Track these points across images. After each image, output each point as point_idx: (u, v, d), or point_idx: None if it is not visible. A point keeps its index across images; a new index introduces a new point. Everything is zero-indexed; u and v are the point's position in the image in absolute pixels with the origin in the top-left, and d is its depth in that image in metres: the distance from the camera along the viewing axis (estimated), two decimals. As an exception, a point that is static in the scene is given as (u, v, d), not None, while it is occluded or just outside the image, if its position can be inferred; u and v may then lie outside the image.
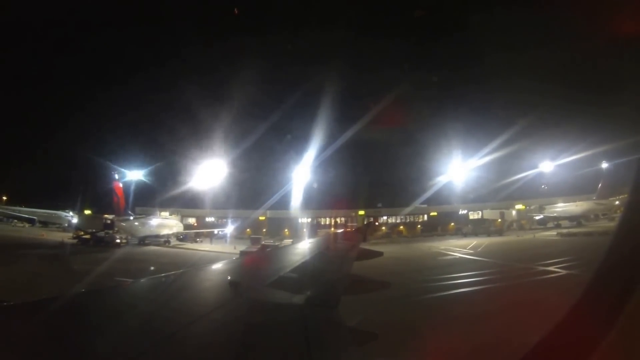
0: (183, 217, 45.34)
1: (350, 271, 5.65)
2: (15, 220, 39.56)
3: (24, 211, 38.58)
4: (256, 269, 5.57)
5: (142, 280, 4.12)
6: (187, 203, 44.94)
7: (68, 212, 39.27)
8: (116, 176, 32.37)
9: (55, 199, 39.84)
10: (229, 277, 3.80)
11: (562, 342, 1.73)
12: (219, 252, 30.51)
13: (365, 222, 42.75)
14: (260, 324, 2.67)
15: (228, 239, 39.54)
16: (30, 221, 39.14)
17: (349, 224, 39.90)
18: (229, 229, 41.89)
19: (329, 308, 3.45)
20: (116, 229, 32.10)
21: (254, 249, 26.59)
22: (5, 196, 39.35)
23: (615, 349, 1.50)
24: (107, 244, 30.56)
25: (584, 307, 1.76)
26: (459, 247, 30.32)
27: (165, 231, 36.20)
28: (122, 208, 32.51)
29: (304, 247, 9.11)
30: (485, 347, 7.59)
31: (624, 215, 1.83)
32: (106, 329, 2.20)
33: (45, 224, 38.88)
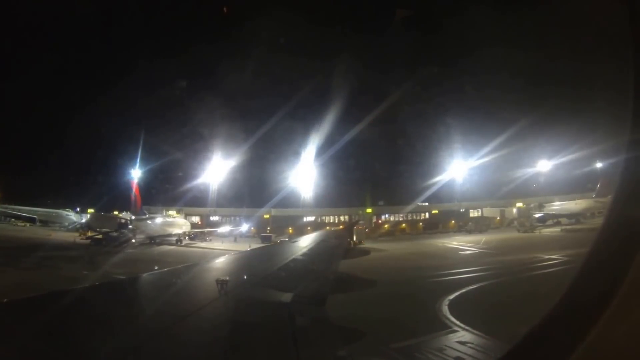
0: (187, 216, 44.54)
1: (337, 269, 6.01)
2: (13, 220, 37.62)
3: (24, 210, 36.76)
4: (244, 267, 5.85)
5: (137, 276, 4.32)
6: (190, 201, 44.28)
7: (69, 211, 37.89)
8: (133, 174, 31.58)
9: (54, 198, 38.39)
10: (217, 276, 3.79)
11: (549, 334, 1.77)
12: (238, 250, 30.35)
13: (356, 220, 43.85)
14: (247, 322, 2.75)
15: (239, 237, 39.23)
16: (31, 220, 37.35)
17: (359, 221, 40.48)
18: (244, 227, 41.55)
19: (317, 305, 3.63)
20: (132, 227, 31.28)
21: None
22: (1, 194, 37.25)
23: (601, 341, 1.53)
24: (120, 244, 29.71)
25: (571, 300, 1.79)
26: (470, 243, 31.60)
27: (175, 230, 35.59)
28: (139, 207, 31.76)
29: (296, 244, 9.48)
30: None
31: (610, 211, 1.83)
32: (102, 324, 2.31)
33: (45, 223, 37.24)
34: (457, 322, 9.35)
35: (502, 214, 43.89)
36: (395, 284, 14.22)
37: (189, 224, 40.15)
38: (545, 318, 1.79)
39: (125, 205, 35.55)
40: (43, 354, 1.93)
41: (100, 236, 30.82)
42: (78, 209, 37.43)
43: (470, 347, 8.03)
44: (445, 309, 10.42)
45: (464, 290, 12.95)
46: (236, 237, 39.33)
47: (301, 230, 44.95)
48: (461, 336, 8.54)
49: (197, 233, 38.63)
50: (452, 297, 11.80)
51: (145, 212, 33.48)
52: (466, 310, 10.27)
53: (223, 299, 3.03)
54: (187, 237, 36.40)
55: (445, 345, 8.07)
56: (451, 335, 8.65)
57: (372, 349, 7.22)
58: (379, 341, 7.95)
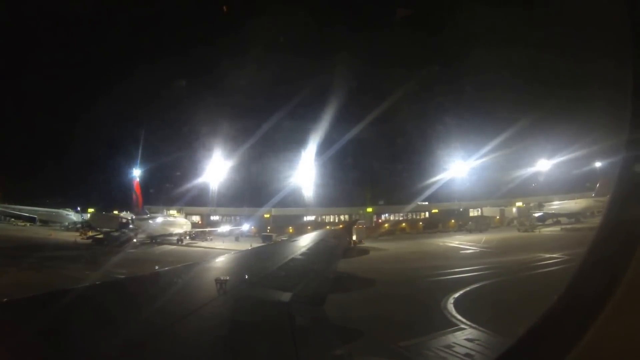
0: (187, 215, 44.49)
1: (337, 268, 6.05)
2: (13, 219, 37.49)
3: (24, 209, 36.63)
4: (243, 267, 5.89)
5: (137, 276, 4.34)
6: (191, 201, 44.22)
7: (69, 211, 37.86)
8: (134, 174, 31.53)
9: (54, 197, 38.28)
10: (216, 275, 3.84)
11: (548, 332, 1.78)
12: (239, 250, 30.34)
13: (355, 219, 44.02)
14: (246, 321, 2.78)
15: (240, 237, 39.22)
16: (31, 220, 37.24)
17: (358, 221, 40.53)
18: (245, 226, 41.60)
19: (315, 305, 3.67)
20: (133, 227, 31.22)
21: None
22: (1, 194, 37.07)
23: (599, 339, 1.55)
24: (121, 243, 29.62)
25: (569, 299, 1.81)
26: (471, 242, 31.70)
27: (176, 230, 35.57)
28: (140, 207, 31.73)
29: (296, 244, 9.57)
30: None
31: (608, 211, 1.83)
32: (102, 323, 2.35)
33: (45, 222, 37.18)
34: (464, 320, 9.44)
35: (502, 213, 44.09)
36: (398, 283, 14.32)
37: (189, 223, 40.17)
38: (544, 317, 1.81)
39: (126, 205, 35.59)
40: (44, 352, 1.95)
41: (101, 236, 30.78)
42: (79, 209, 37.51)
43: (478, 344, 8.13)
44: (451, 307, 10.53)
45: (468, 289, 13.05)
46: (238, 237, 39.32)
47: (301, 230, 45.02)
48: (469, 334, 8.64)
49: (198, 232, 38.60)
50: (456, 295, 11.89)
51: (147, 211, 33.48)
52: (472, 309, 10.38)
53: (222, 298, 3.05)
54: (188, 237, 36.38)
55: (454, 343, 8.17)
56: (459, 333, 8.75)
57: (379, 347, 7.29)
58: (388, 340, 8.02)
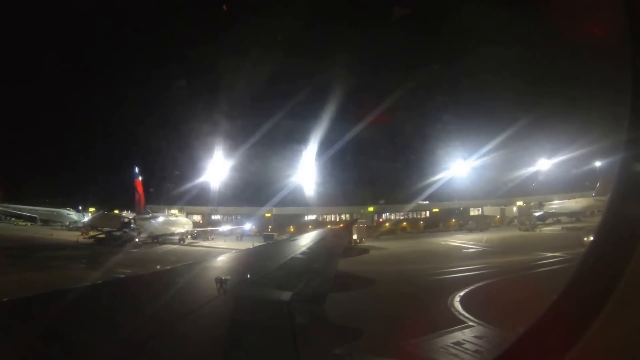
0: (188, 215, 44.54)
1: (337, 268, 6.07)
2: (14, 219, 37.56)
3: (25, 209, 36.70)
4: (244, 266, 5.92)
5: (138, 275, 4.37)
6: (192, 200, 44.24)
7: (70, 210, 37.92)
8: (137, 173, 31.52)
9: (54, 197, 38.28)
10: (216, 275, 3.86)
11: (548, 331, 1.79)
12: (240, 249, 30.39)
13: (356, 219, 44.07)
14: (246, 320, 2.80)
15: (242, 236, 39.26)
16: (32, 219, 37.32)
17: (358, 220, 40.58)
18: (247, 225, 41.66)
19: (316, 304, 3.66)
20: (134, 226, 31.27)
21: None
22: (2, 193, 37.13)
23: (599, 337, 1.56)
24: (123, 243, 29.65)
25: (569, 298, 1.83)
26: (472, 242, 31.72)
27: (178, 229, 35.62)
28: (142, 206, 31.75)
29: (296, 243, 9.60)
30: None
31: (608, 210, 1.84)
32: (104, 322, 2.39)
33: (46, 222, 37.26)
34: (472, 318, 9.50)
35: (503, 212, 44.13)
36: (400, 282, 14.36)
37: (191, 222, 40.22)
38: (544, 315, 1.83)
39: (126, 204, 35.65)
40: (46, 351, 1.98)
41: (103, 235, 30.83)
42: (80, 208, 37.60)
43: (487, 341, 8.19)
44: (457, 305, 10.59)
45: (473, 287, 13.12)
46: (240, 236, 39.38)
47: (302, 229, 45.02)
48: (477, 331, 8.70)
49: (200, 232, 38.65)
50: (462, 293, 11.97)
51: (148, 211, 33.51)
52: (478, 307, 10.43)
53: (222, 297, 3.08)
54: (189, 236, 36.42)
55: (463, 340, 8.23)
56: (467, 330, 8.81)
57: (381, 346, 7.32)
58: (392, 338, 8.05)
